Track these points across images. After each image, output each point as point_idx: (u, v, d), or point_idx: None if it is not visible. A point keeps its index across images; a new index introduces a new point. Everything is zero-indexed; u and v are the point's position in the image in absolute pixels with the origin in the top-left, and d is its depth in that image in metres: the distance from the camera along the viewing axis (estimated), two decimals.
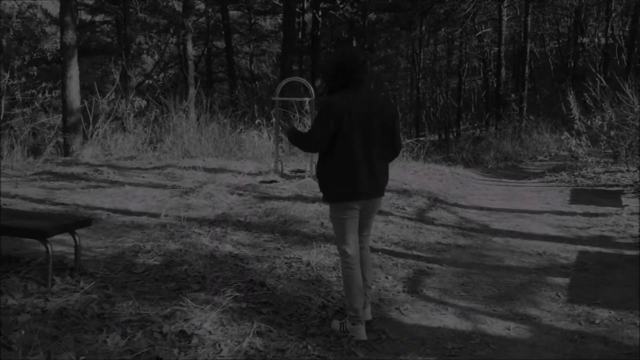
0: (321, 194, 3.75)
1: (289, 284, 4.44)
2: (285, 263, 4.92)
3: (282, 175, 8.70)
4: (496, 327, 4.00)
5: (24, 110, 11.71)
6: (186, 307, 3.75)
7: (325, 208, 6.59)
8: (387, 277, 4.84)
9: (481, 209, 7.83)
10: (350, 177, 3.54)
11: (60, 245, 4.75)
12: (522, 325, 4.02)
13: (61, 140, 11.71)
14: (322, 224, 6.12)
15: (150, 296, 3.91)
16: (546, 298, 4.52)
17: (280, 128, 4.30)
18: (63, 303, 3.66)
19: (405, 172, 10.22)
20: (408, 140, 13.57)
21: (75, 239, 4.16)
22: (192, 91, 14.36)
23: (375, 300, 4.32)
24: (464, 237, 6.28)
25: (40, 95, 11.81)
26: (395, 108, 3.80)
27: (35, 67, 12.37)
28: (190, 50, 16.32)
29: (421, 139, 20.96)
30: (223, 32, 25.60)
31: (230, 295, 4.00)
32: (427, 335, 3.84)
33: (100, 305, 3.69)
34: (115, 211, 6.24)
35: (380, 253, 5.41)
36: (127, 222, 5.84)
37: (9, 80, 11.48)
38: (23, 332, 3.12)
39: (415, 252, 5.57)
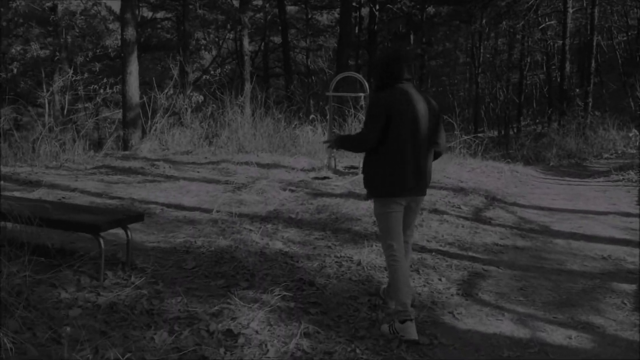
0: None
1: (338, 283, 4.35)
2: (336, 262, 4.83)
3: (335, 171, 8.61)
4: (556, 335, 3.79)
5: (86, 105, 12.04)
6: (234, 306, 3.71)
7: None
8: (440, 279, 4.68)
9: (541, 208, 7.52)
10: (397, 172, 3.58)
11: (115, 239, 4.82)
12: (584, 335, 3.79)
13: (121, 134, 11.98)
14: (375, 222, 5.99)
15: (199, 293, 3.90)
16: (611, 305, 4.26)
17: (326, 140, 4.36)
18: (114, 298, 3.69)
19: (462, 169, 9.96)
20: (465, 137, 13.22)
21: (127, 234, 4.20)
22: (247, 86, 14.45)
23: (427, 303, 4.18)
24: (523, 238, 6.03)
25: (102, 91, 12.12)
26: (439, 106, 3.82)
27: (97, 63, 12.71)
28: (247, 45, 16.43)
29: (479, 135, 20.45)
30: (280, 28, 25.71)
31: (279, 295, 3.95)
32: (482, 341, 3.67)
33: (150, 301, 3.70)
34: (169, 206, 6.30)
35: (433, 253, 5.25)
36: (179, 217, 5.88)
37: (72, 76, 11.82)
38: (70, 328, 3.14)
39: (470, 253, 5.37)
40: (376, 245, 5.24)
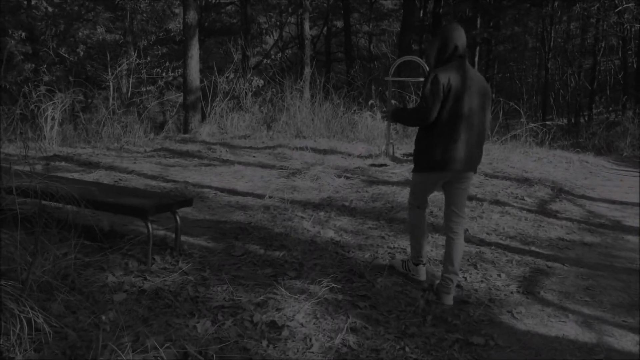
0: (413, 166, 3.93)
1: (390, 276, 4.17)
2: (389, 253, 4.64)
3: (393, 158, 8.38)
4: (625, 341, 3.49)
5: (149, 88, 12.22)
6: (280, 296, 3.60)
7: (436, 195, 6.24)
8: (499, 275, 4.41)
9: (613, 202, 7.06)
10: (450, 148, 3.66)
11: (166, 223, 4.80)
12: None
13: (181, 117, 12.11)
14: (432, 212, 5.76)
15: (245, 282, 3.80)
16: None
17: (384, 110, 4.35)
18: (160, 283, 3.64)
19: (527, 158, 9.51)
20: (532, 125, 12.66)
21: (176, 219, 4.14)
22: (307, 71, 14.31)
23: (484, 300, 3.94)
24: (592, 233, 5.66)
25: (164, 74, 12.26)
26: (489, 86, 3.91)
27: (160, 47, 12.87)
28: (307, 29, 16.27)
29: (547, 123, 19.60)
30: (342, 11, 25.41)
31: (327, 286, 3.80)
32: (543, 344, 3.41)
33: (195, 287, 3.63)
34: (222, 190, 6.26)
35: (493, 247, 4.98)
36: (232, 202, 5.82)
37: (136, 60, 12.01)
38: (112, 313, 3.10)
39: (533, 248, 5.07)
40: (432, 237, 5.02)
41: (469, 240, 5.05)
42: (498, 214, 5.97)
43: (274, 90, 12.70)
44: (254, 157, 8.36)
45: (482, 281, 4.27)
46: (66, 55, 12.20)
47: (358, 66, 28.52)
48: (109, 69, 12.18)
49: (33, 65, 11.80)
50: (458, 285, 4.11)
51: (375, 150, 8.92)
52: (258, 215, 5.31)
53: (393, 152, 8.64)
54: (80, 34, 12.08)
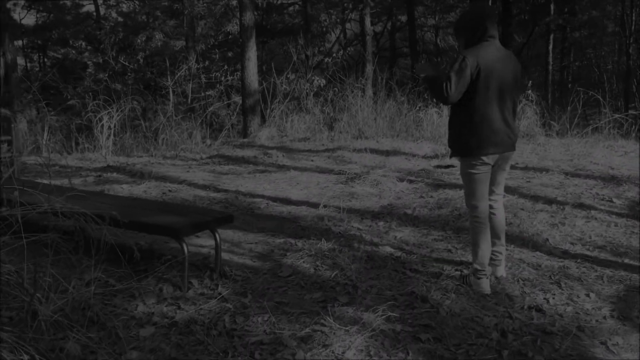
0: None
1: (458, 299, 3.61)
2: (456, 270, 4.08)
3: None
4: None
5: (208, 93, 12.05)
6: (328, 327, 3.13)
7: (510, 199, 5.59)
8: (588, 295, 3.77)
9: None
10: (485, 130, 3.57)
11: (210, 240, 4.44)
12: None
13: (240, 121, 11.87)
14: (505, 218, 5.13)
15: (290, 309, 3.35)
16: None
17: (420, 65, 4.03)
18: (194, 312, 3.25)
19: (612, 153, 8.62)
20: (616, 115, 11.61)
21: (215, 238, 3.75)
22: (369, 68, 13.79)
23: (571, 328, 3.32)
24: None
25: (223, 78, 12.06)
26: (520, 65, 3.81)
27: (217, 50, 12.68)
28: (368, 25, 15.74)
29: (632, 112, 18.17)
30: (406, 5, 24.65)
31: (383, 315, 3.30)
32: None
33: (234, 317, 3.22)
34: (275, 199, 5.86)
35: (579, 260, 4.32)
36: (284, 212, 5.40)
37: (195, 65, 11.86)
38: (137, 353, 2.72)
39: (627, 261, 4.37)
40: (507, 249, 4.42)
41: (550, 252, 4.42)
42: (583, 219, 5.27)
43: (335, 89, 12.26)
44: (312, 161, 7.93)
45: (567, 304, 3.65)
46: (127, 64, 12.21)
47: (424, 60, 27.65)
48: (169, 76, 12.10)
49: (92, 73, 11.86)
50: (539, 310, 3.51)
51: (441, 149, 8.31)
52: (310, 228, 4.86)
53: None
54: (138, 41, 12.09)
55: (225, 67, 12.00)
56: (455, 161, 7.44)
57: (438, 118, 10.75)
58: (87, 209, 3.70)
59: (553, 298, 3.71)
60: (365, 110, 11.04)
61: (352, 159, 7.85)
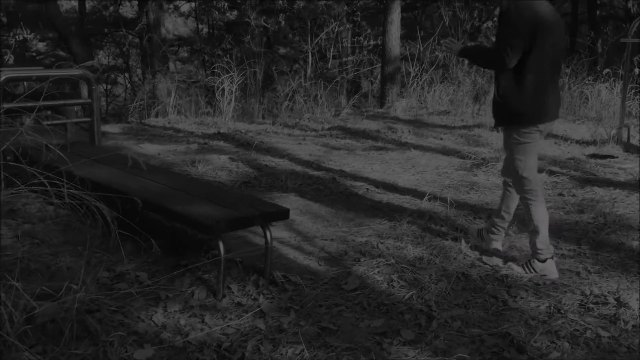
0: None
1: (573, 352, 2.63)
2: (580, 304, 3.05)
3: (626, 147, 6.33)
4: None
5: (348, 58, 11.39)
6: None
7: None
8: None
9: None
10: (542, 96, 3.24)
11: (282, 232, 3.83)
12: None
13: (377, 90, 11.09)
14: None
15: (334, 341, 2.62)
16: None
17: (446, 41, 3.59)
18: (218, 331, 2.66)
19: None
20: None
21: (266, 236, 3.10)
22: None
23: None
24: None
25: (365, 42, 11.31)
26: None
27: (359, 13, 11.90)
28: None
29: None
30: None
31: None
32: None
33: (260, 344, 2.57)
34: (377, 184, 5.08)
35: None
36: (382, 202, 4.61)
37: (335, 27, 11.24)
38: None
39: None
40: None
41: None
42: None
43: None
44: (440, 139, 6.97)
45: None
46: (267, 25, 11.92)
47: (611, 27, 24.44)
48: (309, 38, 11.62)
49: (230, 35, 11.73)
50: None
51: (602, 134, 6.89)
52: (403, 226, 4.03)
53: (628, 138, 6.57)
54: (280, 1, 11.71)
55: (369, 31, 11.21)
56: (616, 151, 6.08)
57: (608, 94, 9.11)
58: (127, 187, 3.25)
59: None
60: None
61: (489, 140, 6.77)
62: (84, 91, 8.94)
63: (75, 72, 4.59)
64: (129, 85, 18.17)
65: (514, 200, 3.60)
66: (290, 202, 4.53)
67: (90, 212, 2.98)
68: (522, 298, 3.11)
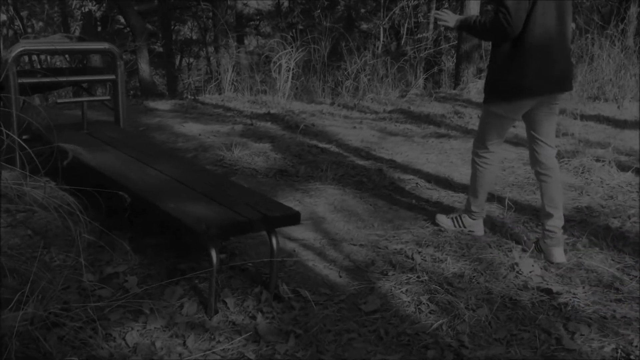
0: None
1: None
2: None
3: None
4: None
5: (423, 35, 10.66)
6: None
7: None
8: None
9: None
10: (545, 65, 2.94)
11: (308, 232, 3.37)
12: None
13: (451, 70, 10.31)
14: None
15: None
16: None
17: (438, 12, 3.21)
18: (198, 358, 2.24)
19: None
20: None
21: (272, 244, 2.64)
22: (633, 10, 10.88)
23: None
24: None
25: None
26: None
27: None
28: None
29: None
30: None
31: None
32: None
33: None
34: (430, 178, 4.49)
35: None
36: (430, 200, 4.04)
37: (410, 2, 10.54)
38: None
39: None
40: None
41: None
42: None
43: (587, 36, 9.88)
44: (514, 127, 6.21)
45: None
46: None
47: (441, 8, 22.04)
48: (382, 13, 10.97)
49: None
50: None
51: None
52: (447, 232, 3.46)
53: None
54: None
55: (446, 5, 10.41)
56: None
57: None
58: (126, 177, 2.89)
59: None
60: (611, 64, 8.62)
61: (569, 129, 5.96)
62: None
63: (98, 45, 4.30)
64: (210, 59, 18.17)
65: (555, 188, 3.17)
66: (327, 195, 4.05)
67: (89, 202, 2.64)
68: (582, 335, 2.49)
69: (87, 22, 11.13)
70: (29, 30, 14.05)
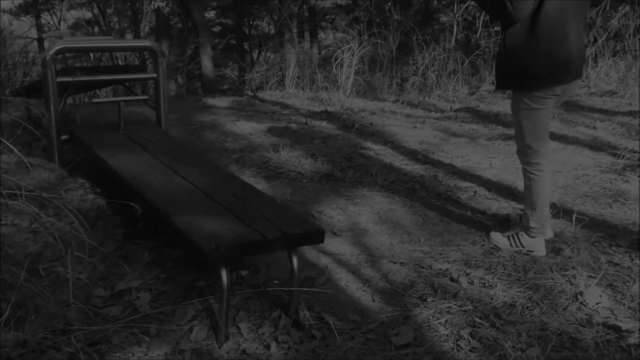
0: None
1: None
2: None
3: None
4: None
5: (497, 28, 10.01)
6: None
7: None
8: None
9: None
10: (561, 53, 2.72)
11: (345, 246, 3.08)
12: None
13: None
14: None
15: None
16: None
17: None
18: None
19: None
20: None
21: (292, 264, 2.37)
22: None
23: None
24: None
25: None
26: None
27: None
28: None
29: None
30: None
31: None
32: None
33: None
34: (491, 187, 4.07)
35: None
36: (487, 212, 3.63)
37: None
38: None
39: None
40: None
41: None
42: None
43: None
44: (594, 128, 5.65)
45: None
46: None
47: None
48: (455, 5, 10.45)
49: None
50: None
51: None
52: (502, 252, 3.06)
53: None
54: None
55: None
56: None
57: None
58: (146, 184, 2.70)
59: None
60: None
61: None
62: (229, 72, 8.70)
63: (139, 43, 4.17)
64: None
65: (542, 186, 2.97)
66: (373, 203, 3.73)
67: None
68: None
69: (157, 18, 11.27)
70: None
